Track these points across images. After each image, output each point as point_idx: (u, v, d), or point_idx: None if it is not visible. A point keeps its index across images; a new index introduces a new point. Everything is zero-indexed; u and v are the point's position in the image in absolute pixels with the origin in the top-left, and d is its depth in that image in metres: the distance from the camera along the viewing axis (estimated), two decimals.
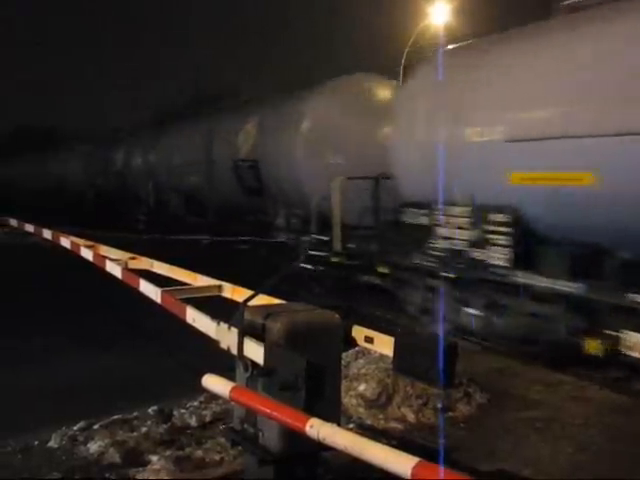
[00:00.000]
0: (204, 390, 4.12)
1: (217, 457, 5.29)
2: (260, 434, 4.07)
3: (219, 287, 5.84)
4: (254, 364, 4.05)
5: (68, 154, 34.28)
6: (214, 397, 6.09)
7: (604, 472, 5.14)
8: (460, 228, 8.89)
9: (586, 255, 7.54)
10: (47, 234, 10.38)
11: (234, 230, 16.53)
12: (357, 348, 6.99)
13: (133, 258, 7.51)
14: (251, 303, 4.31)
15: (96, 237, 9.36)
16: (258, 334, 4.10)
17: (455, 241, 8.99)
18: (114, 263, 7.15)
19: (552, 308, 7.75)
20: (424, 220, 9.58)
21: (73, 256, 8.75)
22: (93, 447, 5.47)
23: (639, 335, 6.86)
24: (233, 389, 3.72)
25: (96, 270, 7.65)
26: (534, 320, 8.02)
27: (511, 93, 8.38)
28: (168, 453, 5.34)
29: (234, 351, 4.20)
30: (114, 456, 5.31)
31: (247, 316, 4.23)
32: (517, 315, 8.28)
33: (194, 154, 19.62)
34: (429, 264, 9.46)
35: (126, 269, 6.91)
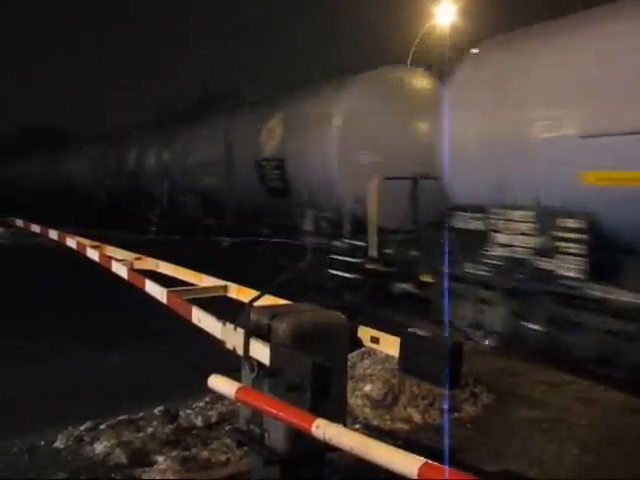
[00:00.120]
0: (210, 390, 4.12)
1: (223, 457, 5.30)
2: (266, 434, 4.08)
3: (225, 287, 5.84)
4: (260, 364, 4.06)
5: (77, 154, 33.90)
6: (220, 398, 6.09)
7: (610, 473, 5.13)
8: (522, 234, 8.05)
9: None
10: (53, 234, 10.41)
11: (255, 232, 15.77)
12: (363, 348, 6.97)
13: (139, 258, 7.53)
14: (257, 304, 4.31)
15: (108, 238, 9.37)
16: (264, 334, 4.10)
17: (516, 249, 8.13)
18: (120, 263, 7.16)
19: (635, 325, 6.86)
20: (478, 225, 8.69)
21: (79, 256, 8.77)
22: (99, 447, 5.48)
23: None
24: (239, 390, 3.72)
25: (102, 270, 7.66)
26: (612, 338, 7.12)
27: (586, 82, 7.39)
28: (174, 453, 5.35)
29: (240, 351, 4.21)
30: (120, 456, 5.32)
31: (253, 316, 4.23)
32: (591, 332, 7.34)
33: (212, 153, 18.70)
34: (483, 273, 8.57)
35: (132, 269, 6.92)
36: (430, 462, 2.63)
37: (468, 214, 8.92)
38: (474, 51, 10.20)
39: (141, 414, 6.14)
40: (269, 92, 19.31)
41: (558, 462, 5.30)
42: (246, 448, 4.76)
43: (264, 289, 4.55)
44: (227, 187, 17.61)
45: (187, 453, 5.36)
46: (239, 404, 4.25)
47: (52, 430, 5.81)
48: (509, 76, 8.50)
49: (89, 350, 8.74)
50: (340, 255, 12.13)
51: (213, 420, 6.06)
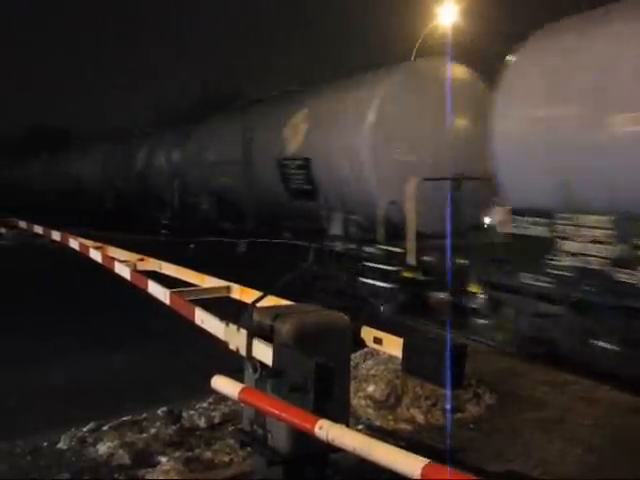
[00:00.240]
0: (213, 391, 4.13)
1: (226, 458, 5.30)
2: (269, 435, 4.08)
3: (227, 288, 5.85)
4: (263, 365, 4.06)
5: (84, 155, 33.35)
6: (223, 398, 6.09)
7: (613, 473, 5.11)
8: (596, 242, 7.23)
9: None
10: (56, 236, 10.42)
11: (275, 236, 14.59)
12: (366, 349, 6.98)
13: (141, 259, 7.54)
14: (260, 304, 4.32)
15: (119, 240, 9.36)
16: (267, 335, 4.11)
17: (588, 258, 7.30)
18: (123, 264, 7.17)
19: None
20: (541, 231, 7.85)
21: (82, 257, 8.79)
22: (102, 448, 5.49)
23: None
24: (242, 390, 3.73)
25: (105, 271, 7.67)
26: None
27: None
28: (177, 454, 5.35)
29: (243, 352, 4.21)
30: (123, 457, 5.32)
31: (256, 317, 4.24)
32: None
33: (228, 152, 17.45)
34: (545, 284, 7.71)
35: (134, 270, 6.93)
36: (433, 463, 2.63)
37: (526, 218, 8.09)
38: (525, 44, 9.00)
39: (144, 415, 6.14)
40: (270, 93, 18.54)
41: (561, 462, 5.29)
42: (249, 449, 4.76)
43: (267, 290, 4.56)
44: (245, 188, 16.59)
45: (190, 454, 5.36)
46: (242, 405, 4.26)
47: (55, 431, 5.82)
48: (578, 66, 7.61)
49: (92, 351, 8.75)
50: (373, 262, 11.30)
51: (216, 421, 6.06)
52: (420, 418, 6.16)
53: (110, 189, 28.04)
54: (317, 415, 3.19)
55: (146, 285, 6.17)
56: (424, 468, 2.61)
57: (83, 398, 6.94)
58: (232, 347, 4.38)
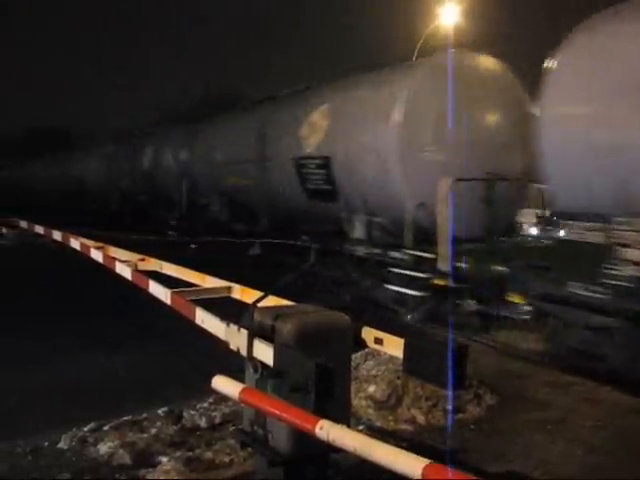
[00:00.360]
0: (214, 391, 4.12)
1: (227, 458, 5.30)
2: (270, 435, 4.07)
3: (228, 288, 5.85)
4: (264, 365, 4.06)
5: (87, 154, 33.04)
6: (224, 398, 6.10)
7: (614, 474, 5.11)
8: None
9: None
10: (57, 235, 10.42)
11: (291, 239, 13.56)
12: (367, 349, 6.97)
13: (142, 259, 7.54)
14: (261, 304, 4.31)
15: (130, 242, 9.34)
16: (268, 335, 4.10)
17: None
18: (124, 264, 7.17)
19: None
20: (595, 237, 7.26)
21: (83, 257, 8.79)
22: (103, 448, 5.49)
23: None
24: (243, 390, 3.72)
25: (105, 271, 7.67)
26: None
27: None
28: (178, 454, 5.35)
29: (244, 352, 4.21)
30: (124, 457, 5.33)
31: (257, 317, 4.24)
32: None
33: (241, 151, 16.52)
34: (598, 296, 7.10)
35: (135, 270, 6.93)
36: (434, 463, 2.63)
37: (577, 223, 7.52)
38: (575, 37, 8.17)
39: (145, 415, 6.14)
40: (271, 93, 18.02)
41: (562, 463, 5.29)
42: (250, 449, 4.76)
43: (267, 290, 4.55)
44: (258, 189, 15.65)
45: (191, 454, 5.37)
46: (243, 405, 4.26)
47: (56, 431, 5.82)
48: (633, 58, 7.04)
49: (92, 351, 8.74)
50: (400, 268, 10.64)
51: (217, 421, 6.06)
52: (421, 419, 6.16)
53: (115, 190, 27.57)
54: (318, 415, 3.18)
55: (147, 285, 6.17)
56: (425, 468, 2.61)
57: (83, 398, 6.93)
58: (233, 347, 4.37)
